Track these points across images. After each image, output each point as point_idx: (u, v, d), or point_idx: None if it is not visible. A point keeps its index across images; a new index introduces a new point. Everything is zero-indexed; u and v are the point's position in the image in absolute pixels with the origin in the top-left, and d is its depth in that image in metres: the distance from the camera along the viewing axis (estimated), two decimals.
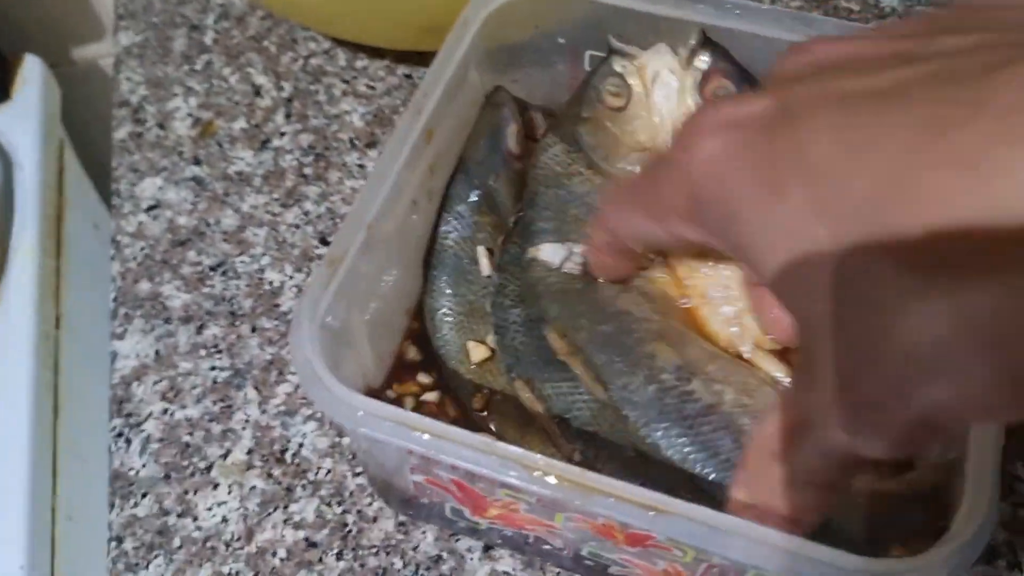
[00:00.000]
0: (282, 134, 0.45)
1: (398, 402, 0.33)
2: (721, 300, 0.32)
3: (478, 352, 0.33)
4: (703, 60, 0.34)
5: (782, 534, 0.23)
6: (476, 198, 0.36)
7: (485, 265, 0.35)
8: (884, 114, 0.18)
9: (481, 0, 0.35)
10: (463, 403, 0.33)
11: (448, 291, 0.35)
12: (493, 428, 0.32)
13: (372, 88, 0.46)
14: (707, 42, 0.34)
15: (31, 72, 0.63)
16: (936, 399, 0.17)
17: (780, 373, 0.31)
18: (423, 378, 0.34)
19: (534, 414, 0.31)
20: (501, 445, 0.25)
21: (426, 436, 0.25)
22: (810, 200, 0.19)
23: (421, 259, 0.35)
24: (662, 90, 0.35)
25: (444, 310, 0.34)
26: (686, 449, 0.29)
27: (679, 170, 0.22)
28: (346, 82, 0.47)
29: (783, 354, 0.32)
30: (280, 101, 0.46)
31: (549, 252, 0.32)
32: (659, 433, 0.29)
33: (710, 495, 0.28)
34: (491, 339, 0.34)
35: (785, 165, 0.19)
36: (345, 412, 0.26)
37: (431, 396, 0.33)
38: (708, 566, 0.28)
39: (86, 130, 0.68)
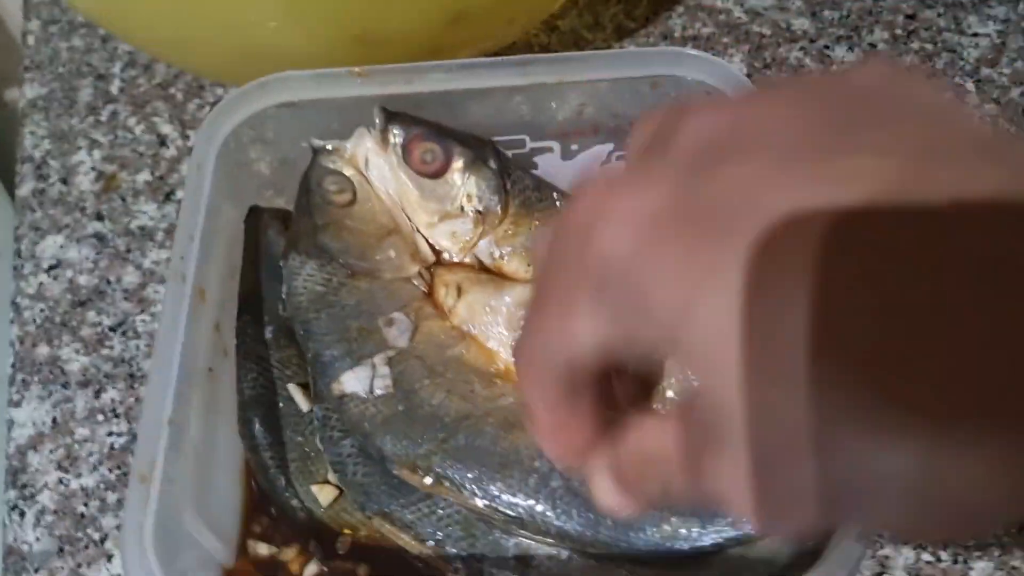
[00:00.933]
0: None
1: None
2: None
3: (325, 494, 0.32)
4: (396, 134, 0.34)
5: None
6: (270, 335, 0.34)
7: (302, 401, 0.33)
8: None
9: (204, 138, 0.34)
10: (328, 549, 0.31)
11: (272, 442, 0.32)
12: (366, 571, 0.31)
13: None
14: (391, 116, 0.34)
15: None
16: (858, 518, 0.17)
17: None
18: (276, 541, 0.32)
19: (403, 545, 0.30)
20: None
21: None
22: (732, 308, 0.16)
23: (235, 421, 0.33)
24: (377, 171, 0.35)
25: (275, 463, 0.32)
26: (584, 520, 0.28)
27: (584, 264, 0.18)
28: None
29: None
30: (185, 150, 0.46)
31: (352, 382, 0.31)
32: (559, 518, 0.28)
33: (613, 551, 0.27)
34: (332, 476, 0.32)
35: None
36: None
37: (289, 554, 0.31)
38: None
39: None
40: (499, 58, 0.34)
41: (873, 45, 0.46)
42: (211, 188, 0.32)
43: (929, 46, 0.46)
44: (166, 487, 0.27)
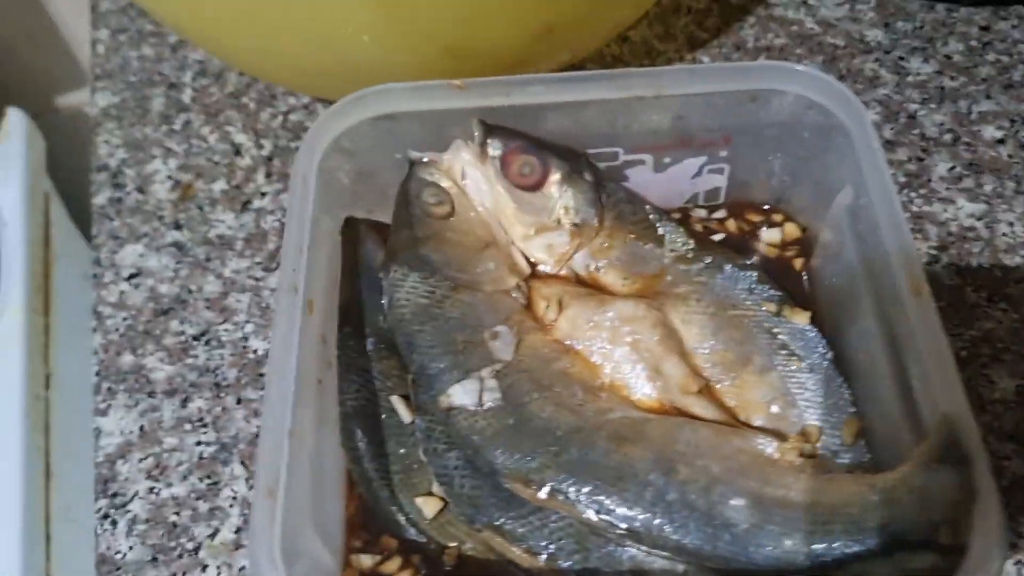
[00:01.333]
0: (263, 194, 0.45)
1: None
2: (632, 360, 0.32)
3: (430, 506, 0.32)
4: (494, 147, 0.34)
5: None
6: (371, 346, 0.34)
7: (404, 412, 0.33)
8: None
9: (308, 149, 0.33)
10: (432, 562, 0.31)
11: (377, 454, 0.32)
12: None
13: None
14: (489, 129, 0.34)
15: (14, 125, 0.62)
16: None
17: (717, 413, 0.31)
18: (379, 554, 0.32)
19: (513, 559, 0.30)
20: None
21: None
22: None
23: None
24: (473, 183, 0.35)
25: (378, 475, 0.32)
26: (702, 534, 0.28)
27: None
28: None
29: (708, 391, 0.32)
30: (260, 160, 0.46)
31: (461, 395, 0.30)
32: (676, 532, 0.28)
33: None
34: (437, 488, 0.32)
35: None
36: None
37: (392, 566, 0.31)
38: None
39: (73, 178, 0.68)
40: (598, 71, 0.34)
41: (948, 57, 0.46)
42: (315, 198, 0.33)
43: (1005, 58, 0.46)
44: (289, 501, 0.27)
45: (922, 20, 0.48)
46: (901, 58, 0.47)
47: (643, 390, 0.32)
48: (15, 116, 0.62)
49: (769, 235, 0.38)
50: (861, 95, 0.45)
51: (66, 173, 0.66)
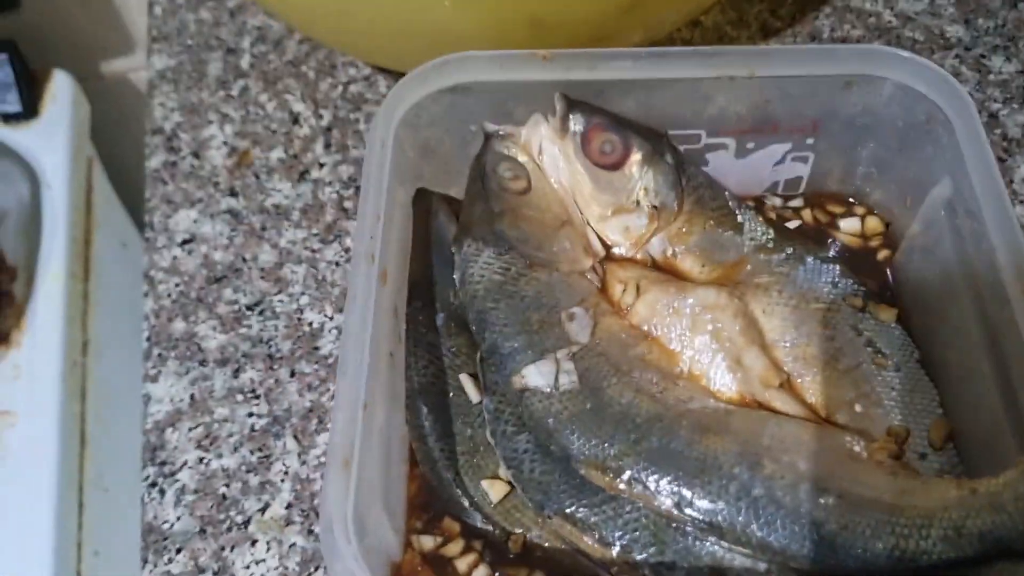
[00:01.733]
0: (321, 165, 0.44)
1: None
2: (712, 350, 0.31)
3: (496, 490, 0.30)
4: (575, 123, 0.33)
5: None
6: (441, 322, 0.33)
7: (473, 392, 0.32)
8: None
9: (387, 115, 0.32)
10: (497, 548, 0.30)
11: (443, 433, 0.31)
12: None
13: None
14: (572, 104, 0.33)
15: (60, 88, 0.62)
16: None
17: (799, 409, 0.30)
18: (441, 536, 0.31)
19: (584, 549, 0.29)
20: None
21: None
22: None
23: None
24: (550, 159, 0.34)
25: (444, 455, 0.31)
26: (789, 532, 0.27)
27: None
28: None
29: (789, 386, 0.31)
30: (319, 130, 0.45)
31: (535, 375, 0.29)
32: (761, 529, 0.27)
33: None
34: (504, 472, 0.30)
35: None
36: None
37: (454, 549, 0.30)
38: None
39: (115, 145, 0.67)
40: (689, 48, 0.33)
41: None
42: (391, 167, 0.31)
43: None
44: (361, 475, 0.26)
45: (1004, 18, 0.46)
46: (983, 56, 0.45)
47: (723, 381, 0.31)
48: (62, 79, 0.61)
49: (849, 225, 0.36)
50: None
51: (108, 140, 0.65)
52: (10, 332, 0.53)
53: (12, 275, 0.55)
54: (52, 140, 0.58)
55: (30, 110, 0.59)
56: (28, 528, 0.46)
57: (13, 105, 0.58)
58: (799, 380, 0.32)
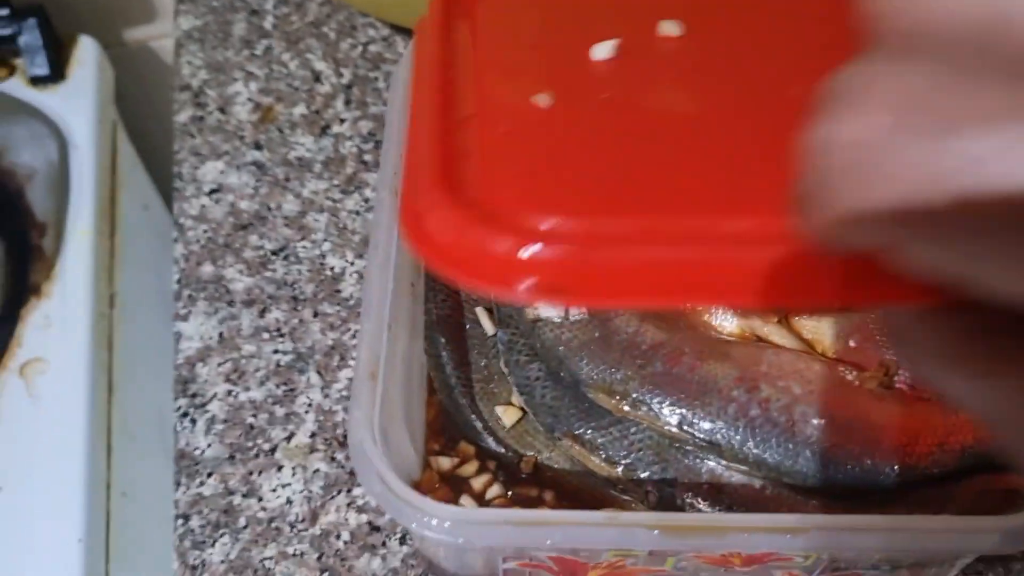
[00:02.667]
0: (342, 121, 0.46)
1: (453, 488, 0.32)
2: None
3: (509, 415, 0.33)
4: None
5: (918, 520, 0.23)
6: None
7: (488, 324, 0.34)
8: None
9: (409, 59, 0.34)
10: (509, 469, 0.32)
11: (459, 362, 0.33)
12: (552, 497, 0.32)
13: None
14: None
15: (86, 53, 0.64)
16: None
17: (795, 343, 0.32)
18: (455, 457, 0.33)
19: (591, 468, 0.31)
20: (625, 515, 0.26)
21: (557, 532, 0.26)
22: None
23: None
24: None
25: (460, 383, 0.33)
26: (783, 449, 0.29)
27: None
28: None
29: (787, 322, 0.33)
30: (340, 87, 0.47)
31: (547, 307, 0.31)
32: (757, 447, 0.29)
33: (811, 492, 0.28)
34: (516, 398, 0.32)
35: None
36: (452, 529, 0.25)
37: (470, 469, 0.32)
38: (826, 563, 0.28)
39: (136, 111, 0.69)
40: None
41: None
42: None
43: None
44: (385, 389, 0.28)
45: None
46: None
47: (723, 317, 0.33)
48: (87, 44, 0.63)
49: None
50: None
51: (130, 105, 0.67)
52: (41, 284, 0.55)
53: (42, 231, 0.58)
54: (79, 103, 0.60)
55: (58, 74, 0.61)
56: (60, 469, 0.49)
57: (42, 68, 0.60)
58: (796, 317, 0.34)
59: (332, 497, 0.35)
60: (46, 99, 0.61)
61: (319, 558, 0.34)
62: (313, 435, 0.37)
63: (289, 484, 0.36)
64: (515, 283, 0.19)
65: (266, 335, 0.39)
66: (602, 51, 0.27)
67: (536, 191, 0.21)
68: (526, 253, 0.19)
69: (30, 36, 0.60)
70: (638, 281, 0.19)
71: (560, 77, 0.26)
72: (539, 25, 0.28)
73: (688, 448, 0.30)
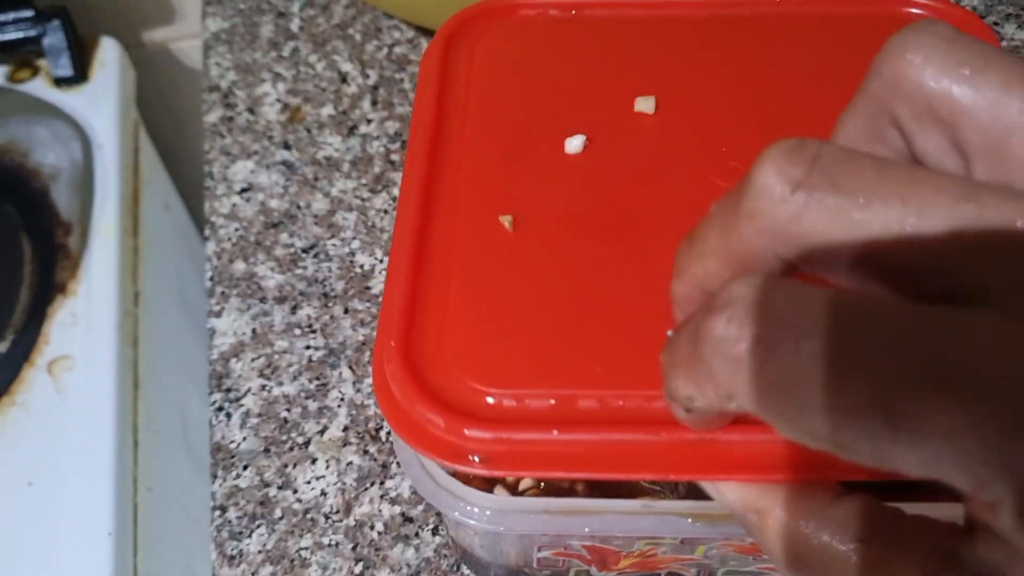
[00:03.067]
0: (369, 121, 0.46)
1: None
2: None
3: None
4: None
5: None
6: None
7: None
8: None
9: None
10: None
11: None
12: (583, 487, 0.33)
13: None
14: None
15: (108, 54, 0.65)
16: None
17: None
18: None
19: None
20: (661, 503, 0.26)
21: (594, 520, 0.27)
22: None
23: None
24: None
25: None
26: None
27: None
28: None
29: None
30: (366, 88, 0.48)
31: None
32: None
33: None
34: None
35: None
36: (493, 518, 0.27)
37: None
38: None
39: (156, 111, 0.70)
40: None
41: None
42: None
43: None
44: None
45: None
46: (996, 23, 0.47)
47: None
48: (109, 45, 0.64)
49: None
50: None
51: (150, 107, 0.68)
52: (67, 282, 0.56)
53: (67, 229, 0.58)
54: (102, 103, 0.61)
55: (81, 75, 0.62)
56: (89, 465, 0.49)
57: (65, 69, 0.61)
58: None
59: (366, 489, 0.36)
60: (69, 100, 0.62)
61: (354, 548, 0.35)
62: (346, 428, 0.38)
63: (323, 476, 0.37)
64: (463, 458, 0.23)
65: (298, 331, 0.40)
66: (574, 145, 0.30)
67: (491, 364, 0.25)
68: (473, 434, 0.23)
69: (54, 37, 0.61)
70: (579, 458, 0.23)
71: (530, 188, 0.29)
72: (522, 115, 0.31)
73: None
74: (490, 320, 0.26)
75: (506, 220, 0.29)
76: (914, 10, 0.35)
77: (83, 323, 0.54)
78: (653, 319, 0.25)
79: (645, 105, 0.32)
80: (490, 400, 0.24)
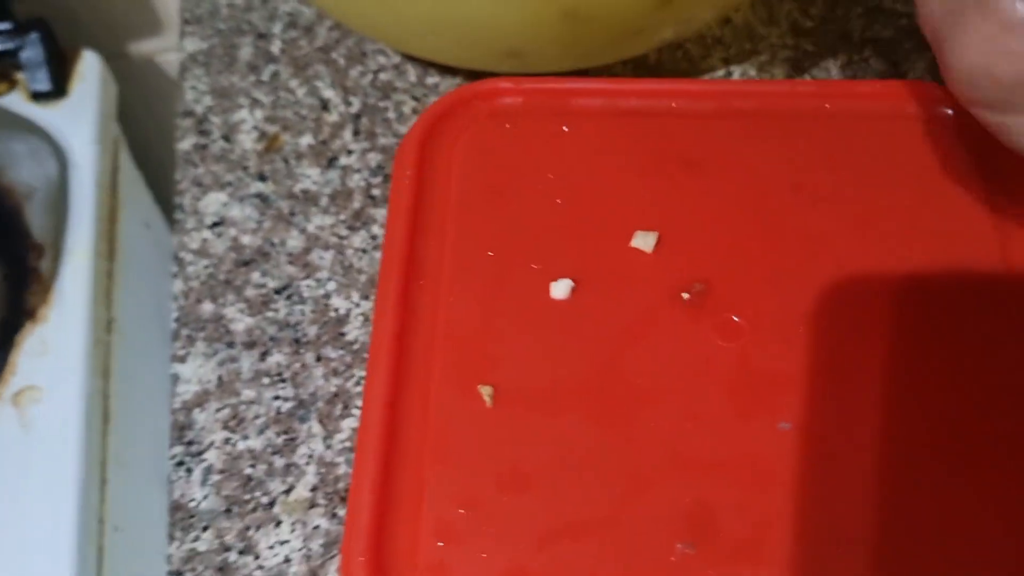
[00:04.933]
0: (350, 152, 0.44)
1: None
2: None
3: None
4: None
5: None
6: None
7: None
8: None
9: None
10: None
11: None
12: None
13: None
14: None
15: (89, 68, 0.62)
16: None
17: None
18: None
19: None
20: None
21: None
22: None
23: None
24: None
25: None
26: None
27: None
28: (416, 99, 0.45)
29: None
30: (348, 117, 0.45)
31: None
32: None
33: None
34: None
35: None
36: None
37: None
38: None
39: (139, 127, 0.67)
40: None
41: None
42: None
43: None
44: None
45: None
46: None
47: None
48: (91, 59, 0.61)
49: None
50: None
51: (133, 121, 0.66)
52: (37, 308, 0.54)
53: (39, 252, 0.56)
54: (80, 119, 0.59)
55: (59, 89, 0.60)
56: (52, 500, 0.47)
57: (43, 84, 0.59)
58: None
59: (332, 556, 0.34)
60: (47, 115, 0.59)
61: None
62: (314, 488, 0.35)
63: (288, 541, 0.34)
64: None
65: (266, 380, 0.38)
66: (561, 290, 0.29)
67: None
68: None
69: (32, 51, 0.58)
70: None
71: (512, 348, 0.28)
72: (504, 246, 0.30)
73: None
74: (464, 529, 0.25)
75: (486, 392, 0.27)
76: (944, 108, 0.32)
77: (53, 352, 0.52)
78: (646, 530, 0.24)
79: (643, 243, 0.30)
80: None
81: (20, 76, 0.59)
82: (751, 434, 0.26)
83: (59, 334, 0.52)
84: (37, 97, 0.59)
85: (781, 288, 0.29)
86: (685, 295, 0.28)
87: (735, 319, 0.28)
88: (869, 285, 0.28)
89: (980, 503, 0.25)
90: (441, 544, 0.25)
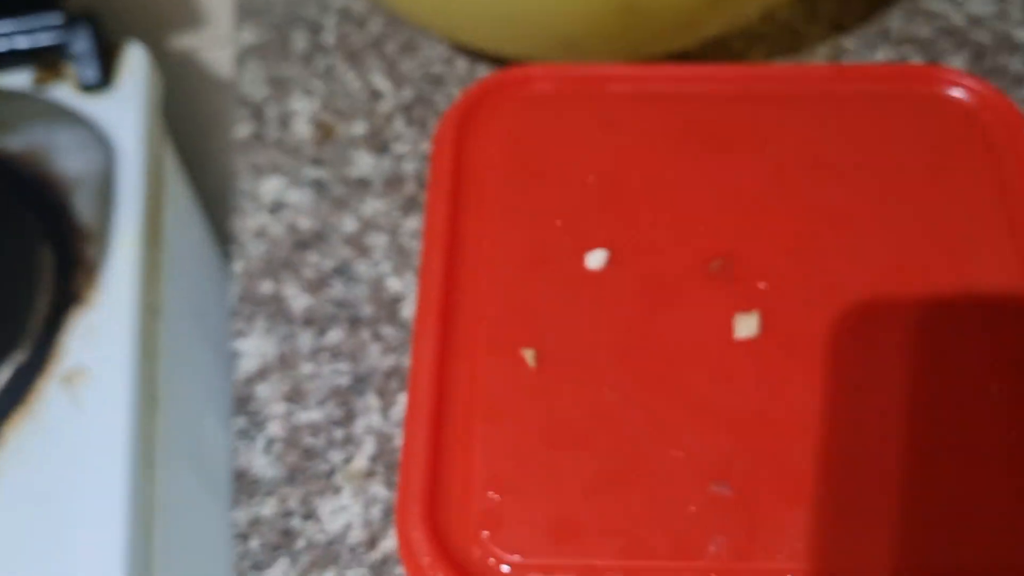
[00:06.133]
0: (402, 140, 0.45)
1: None
2: None
3: None
4: None
5: None
6: None
7: None
8: None
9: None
10: None
11: None
12: None
13: None
14: None
15: (135, 61, 0.64)
16: None
17: None
18: None
19: None
20: None
21: None
22: None
23: None
24: None
25: None
26: None
27: None
28: None
29: None
30: (399, 107, 0.47)
31: None
32: None
33: None
34: None
35: None
36: None
37: None
38: None
39: (180, 120, 0.69)
40: None
41: None
42: None
43: None
44: None
45: None
46: None
47: None
48: (137, 51, 0.63)
49: None
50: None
51: (176, 114, 0.67)
52: (85, 293, 0.55)
53: (87, 239, 0.58)
54: (127, 111, 0.61)
55: (107, 81, 0.61)
56: (104, 480, 0.48)
57: (92, 76, 0.60)
58: None
59: (391, 524, 0.35)
60: (95, 106, 0.61)
61: None
62: (373, 459, 0.36)
63: (347, 507, 0.35)
64: None
65: (325, 356, 0.39)
66: (596, 260, 0.30)
67: (517, 530, 0.26)
68: None
69: (81, 43, 0.60)
70: None
71: (551, 313, 0.30)
72: (541, 219, 0.32)
73: None
74: (514, 481, 0.26)
75: (529, 355, 0.29)
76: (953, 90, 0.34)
77: (100, 335, 0.53)
78: (684, 476, 0.26)
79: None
80: (505, 569, 0.25)
81: (69, 68, 0.61)
82: (775, 392, 0.27)
83: (106, 319, 0.54)
84: (85, 89, 0.60)
85: (804, 259, 0.30)
86: (713, 264, 0.30)
87: (760, 286, 0.29)
88: (889, 258, 0.30)
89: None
90: (493, 494, 0.26)
